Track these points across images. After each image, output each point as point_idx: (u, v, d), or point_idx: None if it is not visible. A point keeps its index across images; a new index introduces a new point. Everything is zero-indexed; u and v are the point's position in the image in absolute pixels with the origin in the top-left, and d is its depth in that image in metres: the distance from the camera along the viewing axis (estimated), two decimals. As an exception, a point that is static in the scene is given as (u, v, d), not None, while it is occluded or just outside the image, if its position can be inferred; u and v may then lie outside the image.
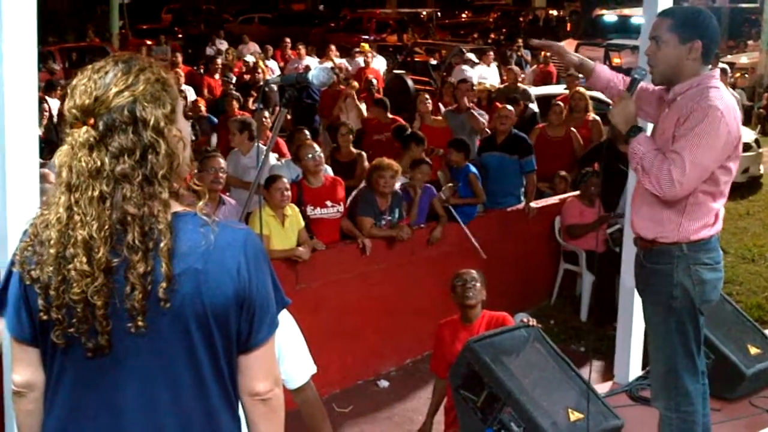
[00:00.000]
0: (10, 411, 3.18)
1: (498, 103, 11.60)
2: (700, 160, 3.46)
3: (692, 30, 3.59)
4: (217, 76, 14.03)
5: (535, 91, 12.63)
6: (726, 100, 3.56)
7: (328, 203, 6.33)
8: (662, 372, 3.80)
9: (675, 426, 3.77)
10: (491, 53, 16.38)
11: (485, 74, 14.97)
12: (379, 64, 16.52)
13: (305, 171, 6.43)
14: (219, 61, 15.13)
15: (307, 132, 8.14)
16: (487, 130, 8.80)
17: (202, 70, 15.41)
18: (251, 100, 11.93)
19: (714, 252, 3.67)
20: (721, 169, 3.57)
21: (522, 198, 7.71)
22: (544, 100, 11.32)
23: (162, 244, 1.84)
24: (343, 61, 16.19)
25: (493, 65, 15.79)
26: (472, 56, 15.91)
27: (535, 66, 16.74)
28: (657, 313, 3.77)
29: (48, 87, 11.66)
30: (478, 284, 4.73)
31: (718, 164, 3.54)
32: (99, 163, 1.85)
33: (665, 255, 3.67)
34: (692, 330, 3.68)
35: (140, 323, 1.84)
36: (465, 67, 14.94)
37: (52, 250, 1.85)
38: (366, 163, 7.99)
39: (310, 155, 6.36)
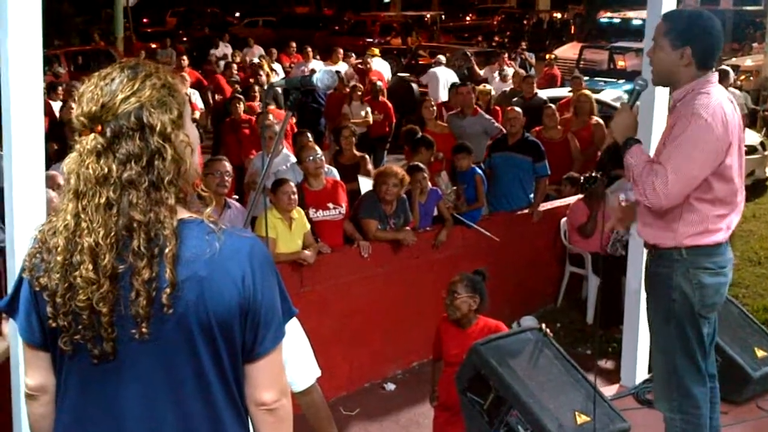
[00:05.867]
0: (18, 412, 3.19)
1: (497, 107, 11.62)
2: (683, 169, 3.45)
3: (684, 36, 3.56)
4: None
5: (539, 94, 12.59)
6: (714, 106, 3.49)
7: (330, 205, 6.33)
8: (663, 374, 3.80)
9: (679, 428, 3.77)
10: (505, 56, 16.24)
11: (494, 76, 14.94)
12: (384, 67, 16.46)
13: (306, 173, 6.44)
14: (231, 63, 15.09)
15: (309, 134, 8.15)
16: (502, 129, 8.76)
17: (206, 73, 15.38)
18: (255, 102, 11.91)
19: (719, 257, 3.64)
20: (714, 175, 3.52)
21: (532, 200, 7.63)
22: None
23: (167, 250, 1.84)
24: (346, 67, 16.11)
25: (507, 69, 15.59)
26: (442, 58, 15.81)
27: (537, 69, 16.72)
28: (658, 315, 3.78)
29: (50, 89, 11.65)
30: (463, 295, 4.57)
31: (707, 171, 3.50)
32: (106, 170, 1.85)
33: (666, 259, 3.68)
34: (693, 333, 3.67)
35: (144, 330, 1.84)
36: (436, 69, 14.87)
37: (59, 258, 1.86)
38: (369, 166, 7.99)
39: (311, 158, 6.37)
